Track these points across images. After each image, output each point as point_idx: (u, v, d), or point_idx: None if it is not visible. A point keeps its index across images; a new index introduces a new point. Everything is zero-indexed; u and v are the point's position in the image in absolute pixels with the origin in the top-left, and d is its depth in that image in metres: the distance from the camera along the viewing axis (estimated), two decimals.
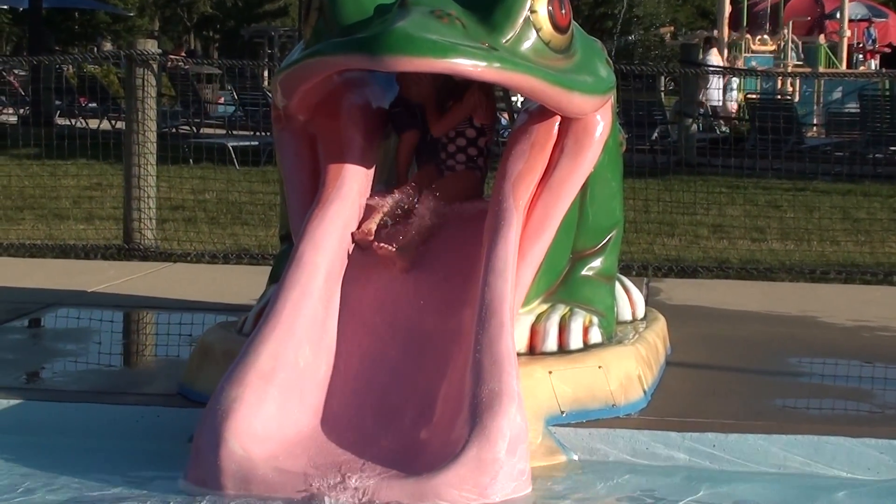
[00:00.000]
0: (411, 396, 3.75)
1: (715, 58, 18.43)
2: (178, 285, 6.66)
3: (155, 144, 7.93)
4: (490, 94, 4.34)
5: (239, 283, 6.59)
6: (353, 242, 4.01)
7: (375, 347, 3.92)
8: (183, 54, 26.90)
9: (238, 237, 8.42)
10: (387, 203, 4.14)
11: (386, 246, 4.00)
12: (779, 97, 16.69)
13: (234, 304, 5.75)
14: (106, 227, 8.74)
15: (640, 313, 4.86)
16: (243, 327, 4.26)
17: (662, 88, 17.43)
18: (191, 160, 11.75)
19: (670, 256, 7.84)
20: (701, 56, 16.52)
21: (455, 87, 4.26)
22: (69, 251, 7.83)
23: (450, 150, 4.34)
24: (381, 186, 4.32)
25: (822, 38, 23.10)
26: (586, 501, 3.64)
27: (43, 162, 10.78)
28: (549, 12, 4.00)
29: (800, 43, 21.57)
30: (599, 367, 4.07)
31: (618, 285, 4.73)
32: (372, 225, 4.04)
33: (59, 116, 18.06)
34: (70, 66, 18.48)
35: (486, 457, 3.40)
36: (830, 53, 22.57)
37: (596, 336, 4.24)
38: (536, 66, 3.91)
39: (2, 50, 40.40)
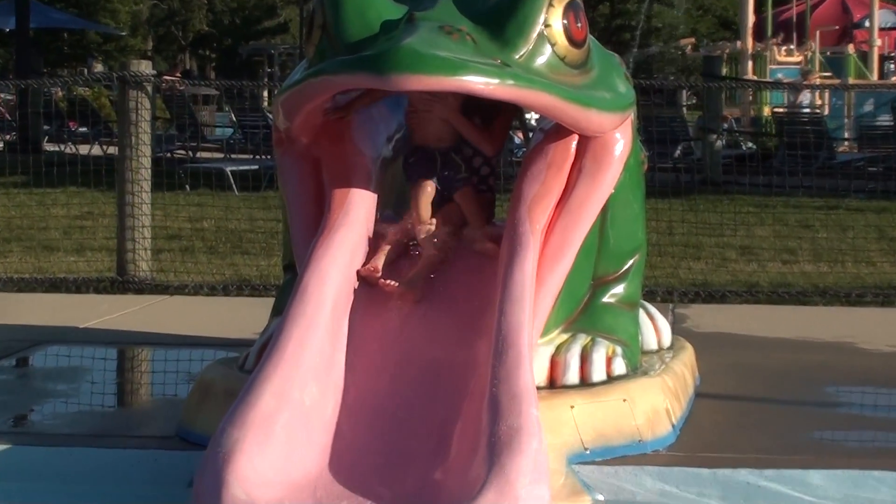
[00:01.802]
0: (425, 435, 3.73)
1: None
2: (176, 319, 6.66)
3: (149, 170, 7.95)
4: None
5: (240, 317, 6.58)
6: (358, 280, 3.99)
7: (386, 383, 3.90)
8: (178, 75, 27.03)
9: (238, 267, 8.43)
10: (395, 233, 4.12)
11: (392, 283, 3.99)
12: (807, 110, 16.69)
13: (234, 339, 5.75)
14: (98, 259, 8.75)
15: (667, 342, 4.85)
16: (245, 363, 4.24)
17: (685, 103, 17.47)
18: (187, 186, 11.79)
19: (696, 281, 7.83)
20: None
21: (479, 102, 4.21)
22: (59, 285, 7.84)
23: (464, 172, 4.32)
24: (390, 212, 4.32)
25: (850, 48, 23.12)
26: None
27: (31, 190, 10.83)
28: (563, 26, 4.00)
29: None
30: (624, 400, 4.05)
31: (642, 313, 4.72)
32: (379, 261, 4.03)
33: (47, 142, 18.15)
34: (59, 89, 18.57)
35: (506, 498, 3.37)
36: (860, 64, 22.58)
37: (620, 367, 4.21)
38: (552, 83, 3.91)
39: None
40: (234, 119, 17.54)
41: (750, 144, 17.15)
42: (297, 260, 4.10)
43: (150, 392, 5.38)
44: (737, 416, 4.57)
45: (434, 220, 4.15)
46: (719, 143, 14.24)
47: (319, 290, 3.83)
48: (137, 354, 5.97)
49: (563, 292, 4.06)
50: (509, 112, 4.35)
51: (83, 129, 18.05)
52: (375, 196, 4.14)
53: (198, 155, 16.33)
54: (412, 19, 3.81)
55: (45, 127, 18.48)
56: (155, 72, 8.38)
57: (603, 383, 4.12)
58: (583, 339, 4.23)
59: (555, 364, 4.12)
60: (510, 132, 4.59)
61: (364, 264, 4.03)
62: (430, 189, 4.20)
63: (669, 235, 8.91)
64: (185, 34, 47.63)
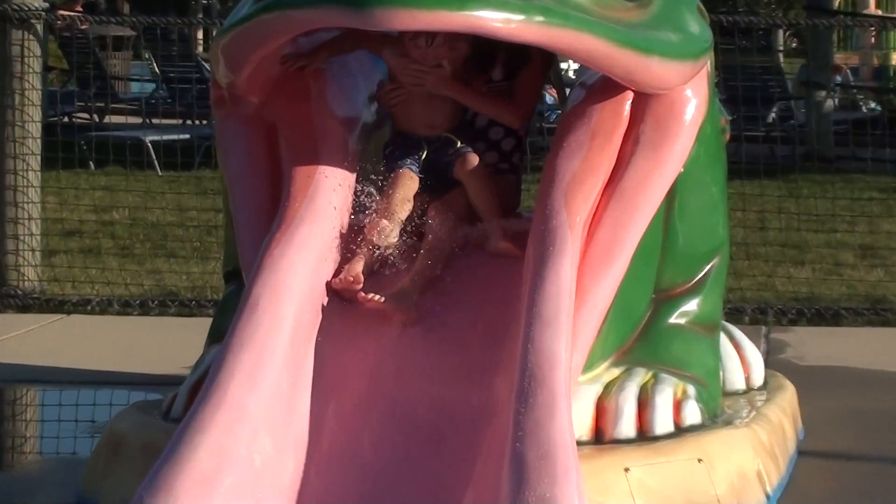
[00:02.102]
0: None
1: None
2: (75, 347, 6.67)
3: (39, 141, 7.96)
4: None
5: (164, 344, 6.60)
6: (329, 294, 4.00)
7: (367, 436, 3.91)
8: (79, 9, 27.09)
9: (162, 275, 8.45)
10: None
11: (375, 297, 3.99)
12: None
13: (156, 375, 5.78)
14: None
15: (758, 379, 4.88)
16: (171, 409, 4.27)
17: (782, 48, 17.50)
18: (91, 163, 11.80)
19: (799, 294, 7.85)
20: None
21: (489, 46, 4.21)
22: None
23: (478, 147, 4.33)
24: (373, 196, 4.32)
25: None
26: None
27: None
28: None
29: None
30: (699, 460, 4.06)
31: (724, 339, 4.75)
32: (357, 267, 4.03)
33: None
34: None
35: None
36: None
37: (693, 414, 4.23)
38: (596, 21, 3.92)
39: None
40: (156, 70, 17.58)
41: (872, 105, 17.19)
42: (245, 265, 4.11)
43: (39, 448, 5.39)
44: (855, 480, 4.60)
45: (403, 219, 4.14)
46: (830, 104, 14.26)
47: (275, 306, 3.84)
48: (22, 396, 5.97)
49: (613, 310, 4.07)
50: (539, 62, 4.36)
51: None
52: (353, 176, 4.15)
53: (107, 119, 16.36)
54: None
55: None
56: (47, 4, 8.39)
57: (669, 437, 4.13)
58: (641, 376, 4.25)
59: (603, 410, 4.14)
60: (541, 90, 4.59)
61: (337, 272, 4.04)
62: (408, 181, 4.19)
63: (761, 231, 8.93)
64: None
